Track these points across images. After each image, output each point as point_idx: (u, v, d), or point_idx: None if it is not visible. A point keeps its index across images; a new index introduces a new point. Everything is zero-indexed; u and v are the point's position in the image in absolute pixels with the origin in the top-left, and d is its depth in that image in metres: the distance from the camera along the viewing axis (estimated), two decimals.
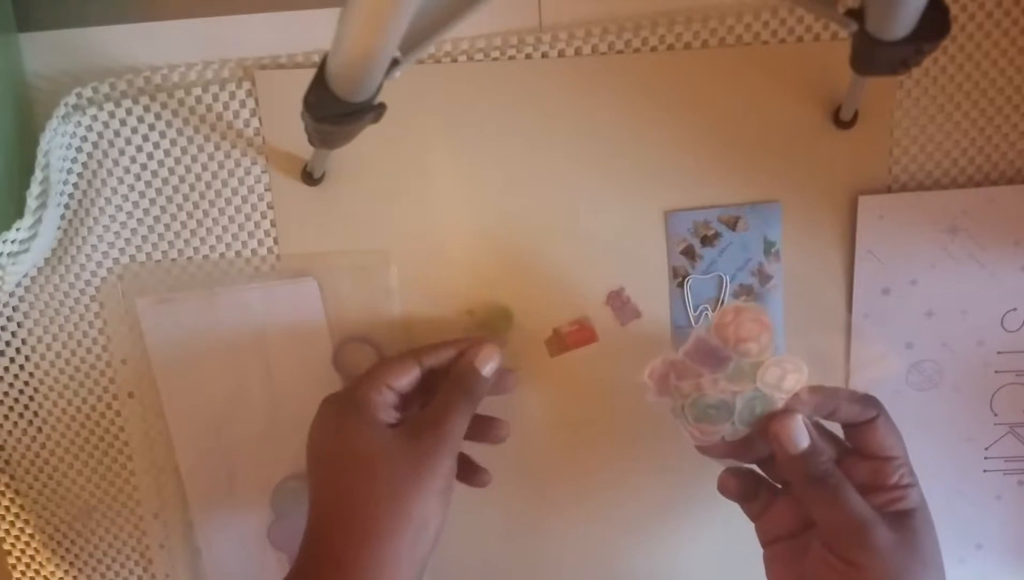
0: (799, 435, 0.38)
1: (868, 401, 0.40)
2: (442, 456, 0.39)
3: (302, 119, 0.37)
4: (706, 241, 0.48)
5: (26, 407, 0.49)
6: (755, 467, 0.43)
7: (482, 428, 0.46)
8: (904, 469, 0.40)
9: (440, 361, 0.44)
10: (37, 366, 0.48)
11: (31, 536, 0.51)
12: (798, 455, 0.38)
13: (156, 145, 0.46)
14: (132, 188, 0.47)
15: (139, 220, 0.47)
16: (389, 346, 0.48)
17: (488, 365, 0.43)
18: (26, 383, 0.49)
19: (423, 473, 0.38)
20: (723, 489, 0.43)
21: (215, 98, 0.46)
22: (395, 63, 0.34)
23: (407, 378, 0.42)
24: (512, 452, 0.49)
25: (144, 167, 0.47)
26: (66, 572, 0.51)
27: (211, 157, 0.47)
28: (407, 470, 0.38)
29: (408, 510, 0.37)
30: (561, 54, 0.46)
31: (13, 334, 0.48)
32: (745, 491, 0.43)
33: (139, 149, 0.46)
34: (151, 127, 0.46)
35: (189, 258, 0.48)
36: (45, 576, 0.51)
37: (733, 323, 0.38)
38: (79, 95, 0.45)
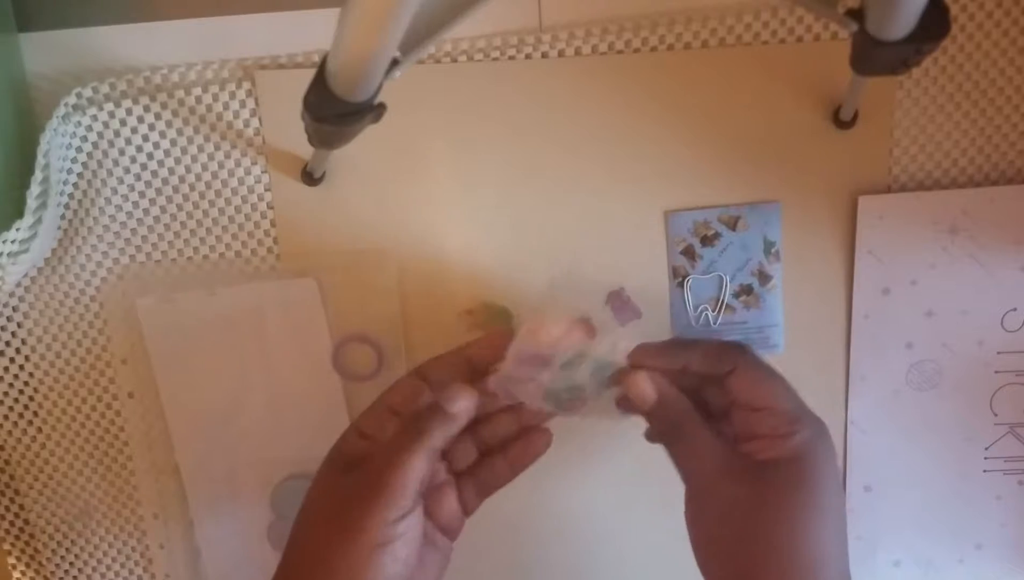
0: (646, 390, 0.37)
1: (724, 354, 0.37)
2: (379, 507, 0.34)
3: (302, 119, 0.37)
4: (706, 241, 0.48)
5: (26, 407, 0.49)
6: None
7: (519, 449, 0.40)
8: (769, 419, 0.36)
9: (448, 377, 0.39)
10: (37, 366, 0.48)
11: (31, 536, 0.51)
12: (650, 409, 0.37)
13: (156, 145, 0.46)
14: (132, 188, 0.47)
15: (139, 220, 0.47)
16: (389, 346, 0.48)
17: (453, 402, 0.37)
18: (26, 383, 0.49)
19: (353, 524, 0.34)
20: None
21: (215, 98, 0.46)
22: (395, 63, 0.34)
23: (412, 399, 0.39)
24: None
25: (144, 167, 0.47)
26: (66, 572, 0.51)
27: (211, 157, 0.47)
28: (341, 520, 0.35)
29: (331, 568, 0.34)
30: (561, 54, 0.46)
31: (13, 334, 0.48)
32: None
33: (139, 149, 0.46)
34: (151, 127, 0.46)
35: (189, 258, 0.48)
36: (45, 576, 0.51)
37: (542, 329, 0.38)
38: (79, 95, 0.45)
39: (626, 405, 0.39)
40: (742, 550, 0.35)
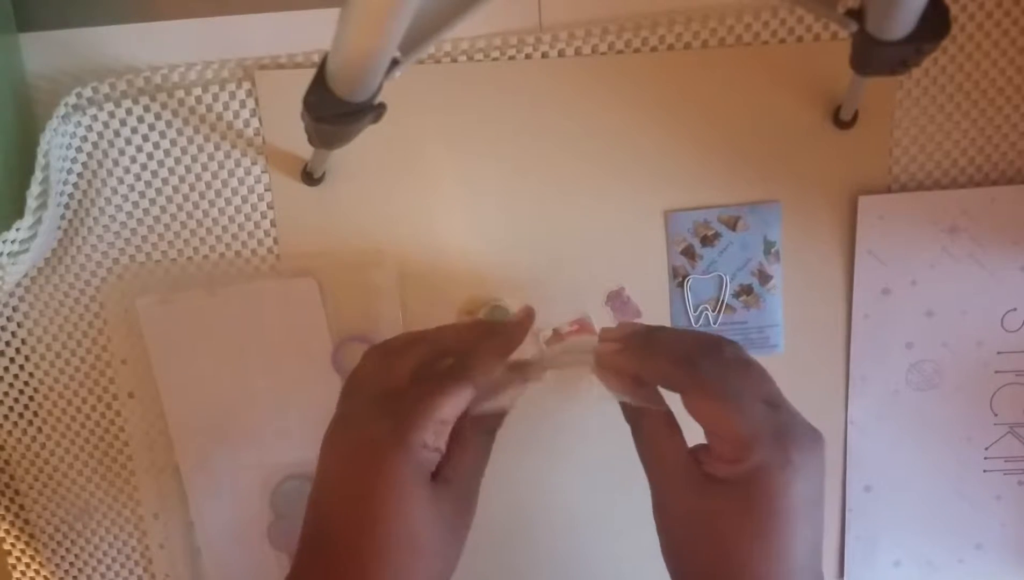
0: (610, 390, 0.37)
1: (674, 375, 0.35)
2: (412, 429, 0.34)
3: (302, 119, 0.37)
4: (706, 241, 0.48)
5: (26, 407, 0.49)
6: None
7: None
8: (719, 444, 0.34)
9: (492, 372, 0.38)
10: (37, 366, 0.48)
11: (31, 536, 0.51)
12: (622, 403, 0.37)
13: (156, 145, 0.46)
14: (132, 188, 0.47)
15: (139, 220, 0.47)
16: None
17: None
18: (26, 383, 0.49)
19: (452, 542, 0.35)
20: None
21: (215, 98, 0.46)
22: (395, 63, 0.34)
23: (462, 406, 0.36)
24: (511, 454, 0.49)
25: (144, 167, 0.47)
26: (66, 572, 0.51)
27: (211, 157, 0.47)
28: (444, 538, 0.35)
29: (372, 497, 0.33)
30: (561, 54, 0.46)
31: (13, 334, 0.48)
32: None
33: (139, 149, 0.46)
34: (151, 127, 0.46)
35: (189, 258, 0.48)
36: (45, 576, 0.51)
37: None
38: (79, 95, 0.45)
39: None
40: (699, 560, 0.35)
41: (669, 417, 0.36)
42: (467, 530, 0.36)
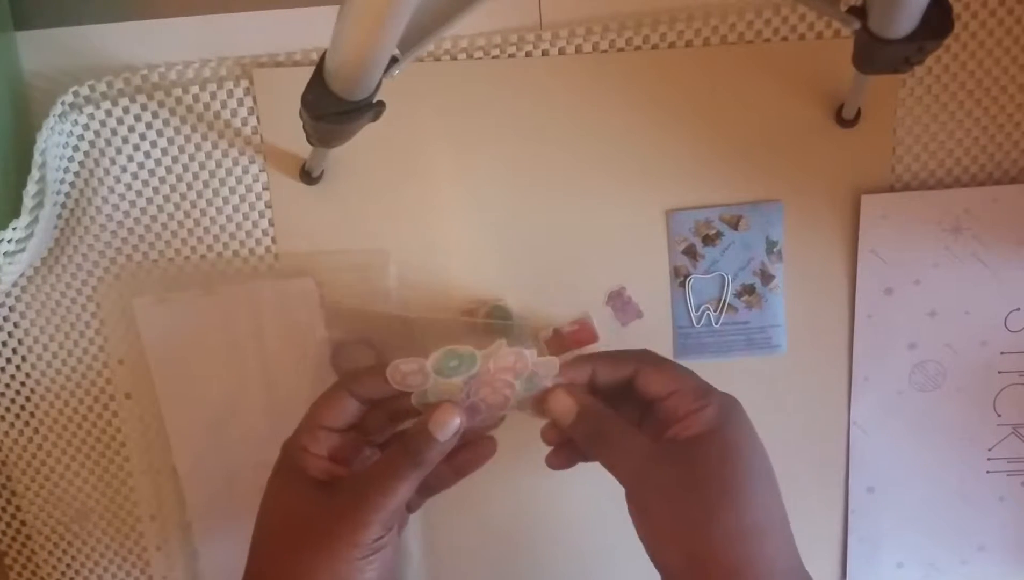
0: (566, 403, 0.39)
1: (621, 360, 0.40)
2: (366, 526, 0.36)
3: (300, 117, 0.37)
4: (708, 240, 0.48)
5: (22, 408, 0.49)
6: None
7: (465, 457, 0.42)
8: (680, 399, 0.38)
9: (377, 392, 0.40)
10: (34, 366, 0.48)
11: (28, 538, 0.50)
12: (573, 421, 0.39)
13: (153, 144, 0.46)
14: (129, 187, 0.47)
15: (136, 219, 0.47)
16: (388, 346, 0.48)
17: (443, 429, 0.37)
18: (22, 384, 0.48)
19: (336, 540, 0.36)
20: (551, 465, 0.43)
21: (213, 96, 0.46)
22: (394, 61, 0.34)
23: (344, 415, 0.39)
24: (510, 454, 0.49)
25: (141, 166, 0.46)
26: (63, 574, 0.51)
27: (209, 156, 0.46)
28: (321, 534, 0.36)
29: (315, 574, 0.36)
30: (561, 52, 0.46)
31: (9, 334, 0.48)
32: (570, 461, 0.43)
33: (136, 148, 0.46)
34: (148, 125, 0.46)
35: (186, 258, 0.47)
36: (42, 578, 0.51)
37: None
38: (76, 93, 0.45)
39: (551, 430, 0.42)
40: (687, 530, 0.36)
41: (619, 417, 0.39)
42: (352, 550, 0.36)
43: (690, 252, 0.48)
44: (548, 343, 0.48)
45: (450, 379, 0.38)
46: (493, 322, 0.48)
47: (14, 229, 0.42)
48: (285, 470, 0.39)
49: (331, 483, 0.38)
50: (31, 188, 0.42)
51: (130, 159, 0.46)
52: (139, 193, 0.47)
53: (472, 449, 0.42)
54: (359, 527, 0.36)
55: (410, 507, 0.43)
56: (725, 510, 0.35)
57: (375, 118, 0.37)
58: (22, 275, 0.47)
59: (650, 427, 0.39)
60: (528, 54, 0.46)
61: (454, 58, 0.46)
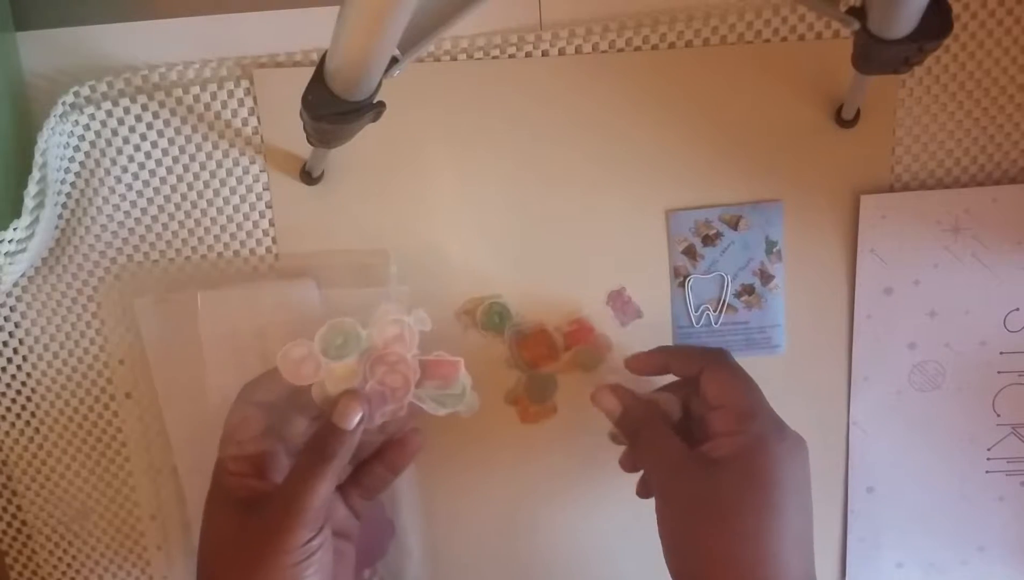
0: (611, 402, 0.42)
1: (692, 357, 0.43)
2: (293, 531, 0.36)
3: (301, 118, 0.37)
4: (707, 240, 0.48)
5: (23, 408, 0.49)
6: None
7: (395, 452, 0.43)
8: (724, 417, 0.39)
9: (276, 393, 0.41)
10: (34, 367, 0.48)
11: (28, 538, 0.50)
12: (617, 419, 0.42)
13: (154, 144, 0.46)
14: (130, 187, 0.47)
15: (137, 220, 0.47)
16: None
17: (347, 418, 0.38)
18: (23, 384, 0.48)
19: (267, 552, 0.36)
20: (624, 467, 0.45)
21: (213, 97, 0.46)
22: (394, 61, 0.34)
23: (251, 425, 0.40)
24: (510, 454, 0.49)
25: (142, 166, 0.46)
26: (63, 573, 0.51)
27: (209, 156, 0.46)
28: (253, 551, 0.36)
29: None
30: (561, 52, 0.46)
31: (10, 334, 0.48)
32: (635, 467, 0.44)
33: (137, 148, 0.46)
34: (149, 126, 0.46)
35: (187, 258, 0.47)
36: (42, 577, 0.51)
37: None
38: (77, 94, 0.45)
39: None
40: (700, 547, 0.36)
41: (659, 421, 0.41)
42: (284, 556, 0.36)
43: (690, 252, 0.48)
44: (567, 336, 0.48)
45: (343, 360, 0.38)
46: (492, 322, 0.48)
47: (15, 229, 0.42)
48: (213, 493, 0.40)
49: (255, 500, 0.38)
50: (32, 188, 0.42)
51: (131, 159, 0.46)
52: (140, 193, 0.47)
53: (400, 445, 0.43)
54: (286, 533, 0.36)
55: (356, 512, 0.43)
56: (740, 537, 0.35)
57: (375, 118, 0.37)
58: (23, 275, 0.47)
59: (700, 431, 0.40)
60: (528, 54, 0.46)
61: (454, 58, 0.46)
